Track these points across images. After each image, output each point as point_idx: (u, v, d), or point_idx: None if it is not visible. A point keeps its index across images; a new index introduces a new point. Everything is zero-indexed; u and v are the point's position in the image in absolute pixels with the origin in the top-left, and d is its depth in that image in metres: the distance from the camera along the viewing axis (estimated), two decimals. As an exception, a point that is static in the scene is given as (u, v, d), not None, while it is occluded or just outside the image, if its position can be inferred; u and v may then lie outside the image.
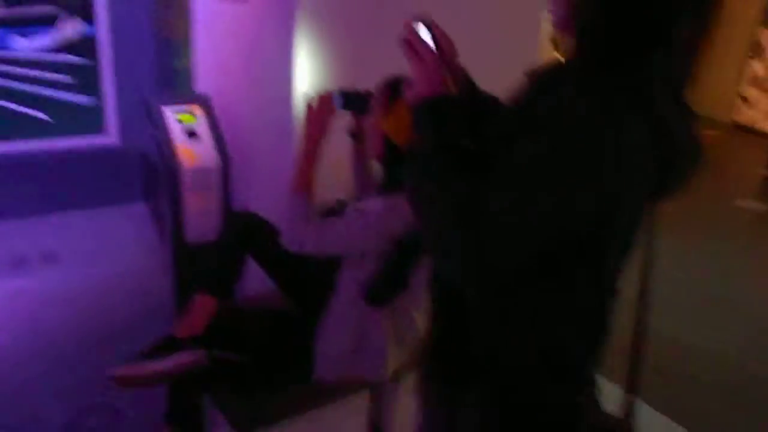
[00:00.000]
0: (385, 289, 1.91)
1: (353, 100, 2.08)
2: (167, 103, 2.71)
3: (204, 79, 3.14)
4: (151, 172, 3.20)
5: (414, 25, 1.12)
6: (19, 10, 3.10)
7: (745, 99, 7.51)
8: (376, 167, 2.13)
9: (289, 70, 2.27)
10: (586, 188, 0.86)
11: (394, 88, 1.78)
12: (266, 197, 2.61)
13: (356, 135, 2.18)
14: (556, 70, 1.06)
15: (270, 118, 2.56)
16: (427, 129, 1.01)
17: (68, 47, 3.24)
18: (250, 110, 2.73)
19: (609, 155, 0.85)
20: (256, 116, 2.68)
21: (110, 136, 3.45)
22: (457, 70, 1.21)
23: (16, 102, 3.21)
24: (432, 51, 1.07)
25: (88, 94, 3.36)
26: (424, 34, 1.13)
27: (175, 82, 3.41)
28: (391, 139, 1.57)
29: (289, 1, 2.21)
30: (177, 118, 2.65)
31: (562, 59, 1.04)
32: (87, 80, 3.33)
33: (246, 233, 2.23)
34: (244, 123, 2.79)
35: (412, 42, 1.08)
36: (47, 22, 3.17)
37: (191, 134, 2.64)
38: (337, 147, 2.22)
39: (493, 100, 1.28)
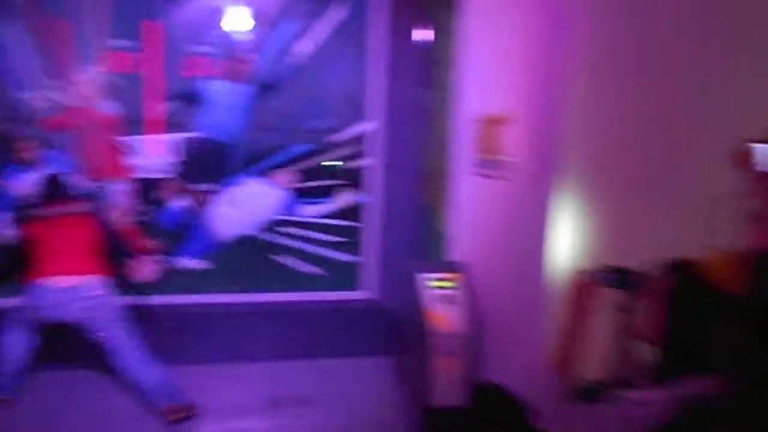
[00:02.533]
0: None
1: (621, 278, 2.02)
2: (424, 267, 2.90)
3: (458, 247, 3.33)
4: (399, 331, 3.37)
5: (752, 151, 1.00)
6: (310, 184, 3.70)
7: None
8: (642, 349, 1.99)
9: (545, 245, 2.31)
10: None
11: (677, 270, 1.68)
12: (517, 370, 2.56)
13: (627, 311, 2.08)
14: None
15: (524, 291, 2.58)
16: None
17: (342, 213, 3.76)
18: (504, 281, 2.79)
19: None
20: (510, 288, 2.72)
21: (366, 292, 3.78)
22: None
23: (294, 258, 3.73)
24: None
25: (352, 253, 3.79)
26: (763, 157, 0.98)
27: (432, 248, 3.68)
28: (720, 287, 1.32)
29: (548, 180, 2.30)
30: (433, 283, 2.81)
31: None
32: (353, 241, 3.78)
33: (493, 405, 2.18)
34: (497, 293, 2.85)
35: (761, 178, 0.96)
36: (329, 193, 3.73)
37: (446, 300, 2.76)
38: (599, 324, 2.13)
39: None
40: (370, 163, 3.74)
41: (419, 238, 3.73)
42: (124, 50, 3.43)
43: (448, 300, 2.78)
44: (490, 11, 2.96)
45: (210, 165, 3.61)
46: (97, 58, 3.42)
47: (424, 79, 3.66)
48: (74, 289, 2.64)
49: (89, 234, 2.75)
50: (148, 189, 3.58)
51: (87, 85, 3.44)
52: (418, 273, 2.89)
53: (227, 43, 3.52)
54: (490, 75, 2.93)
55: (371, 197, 3.76)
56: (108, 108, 3.46)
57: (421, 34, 3.61)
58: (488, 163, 2.88)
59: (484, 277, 2.94)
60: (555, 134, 2.32)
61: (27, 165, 3.45)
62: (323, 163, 3.70)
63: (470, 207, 3.19)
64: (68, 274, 2.65)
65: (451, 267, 2.93)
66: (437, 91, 3.64)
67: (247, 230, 3.69)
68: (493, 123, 2.80)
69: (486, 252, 2.98)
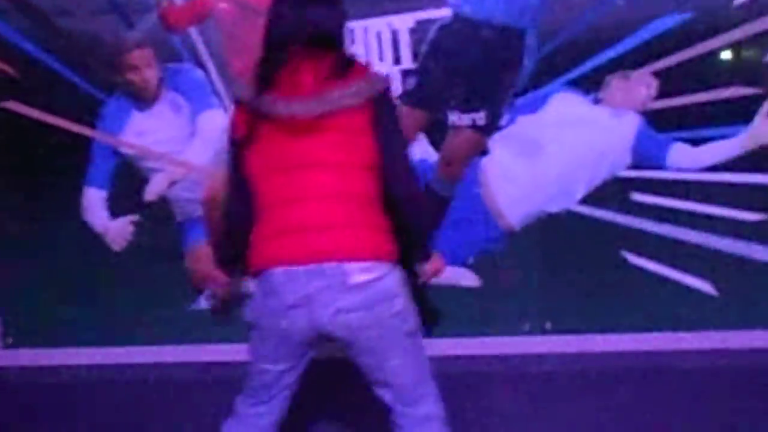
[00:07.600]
0: None
1: None
2: None
3: None
4: None
5: None
6: (690, 99, 1.73)
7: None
8: None
9: None
10: None
11: None
12: None
13: None
14: None
15: None
16: None
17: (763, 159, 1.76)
18: None
19: None
20: None
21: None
22: None
23: (659, 260, 1.78)
24: None
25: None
26: None
27: None
28: None
29: None
30: None
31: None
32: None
33: None
34: None
35: None
36: (729, 118, 1.74)
37: None
38: None
39: None
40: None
41: None
42: None
43: None
44: None
45: (480, 75, 1.76)
46: None
47: None
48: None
49: None
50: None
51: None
52: None
53: None
54: None
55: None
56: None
57: None
58: None
59: None
60: None
61: (140, 97, 1.83)
62: (720, 55, 1.72)
63: None
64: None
65: None
66: None
67: (558, 203, 1.81)
68: None
69: None
